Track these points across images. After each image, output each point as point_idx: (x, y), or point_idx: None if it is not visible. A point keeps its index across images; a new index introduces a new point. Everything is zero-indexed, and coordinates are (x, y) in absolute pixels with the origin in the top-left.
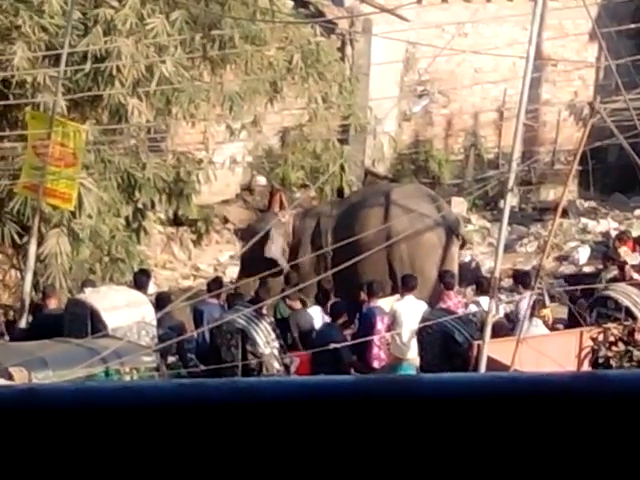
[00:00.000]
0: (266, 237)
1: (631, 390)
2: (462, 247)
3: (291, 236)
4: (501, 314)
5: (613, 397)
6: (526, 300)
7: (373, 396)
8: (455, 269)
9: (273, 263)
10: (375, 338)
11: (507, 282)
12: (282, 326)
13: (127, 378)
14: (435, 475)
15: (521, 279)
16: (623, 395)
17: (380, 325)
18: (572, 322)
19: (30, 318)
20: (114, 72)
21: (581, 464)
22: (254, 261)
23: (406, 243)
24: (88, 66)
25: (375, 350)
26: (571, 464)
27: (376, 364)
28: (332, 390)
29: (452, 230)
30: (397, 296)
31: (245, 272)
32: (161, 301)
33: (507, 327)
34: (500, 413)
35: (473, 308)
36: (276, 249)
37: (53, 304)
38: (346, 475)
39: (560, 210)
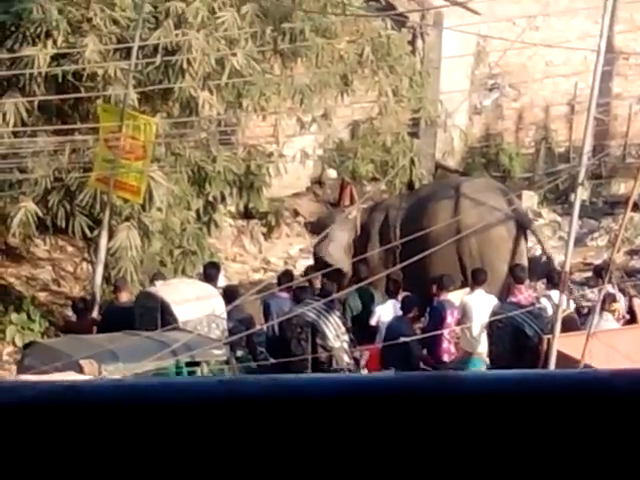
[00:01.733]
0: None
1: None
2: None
3: (359, 230)
4: (572, 308)
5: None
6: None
7: (411, 393)
8: (525, 263)
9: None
10: (445, 332)
11: (578, 276)
12: (353, 320)
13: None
14: (477, 470)
15: (600, 273)
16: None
17: (450, 319)
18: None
19: (101, 311)
20: (185, 65)
21: (624, 462)
22: (321, 257)
23: (476, 237)
24: (159, 59)
25: (445, 344)
26: (613, 463)
27: (446, 358)
28: (371, 387)
29: (522, 224)
30: (467, 290)
31: (316, 267)
32: (230, 294)
33: (577, 321)
34: (543, 411)
35: (544, 302)
36: (334, 248)
37: (124, 297)
38: (388, 470)
39: (631, 204)
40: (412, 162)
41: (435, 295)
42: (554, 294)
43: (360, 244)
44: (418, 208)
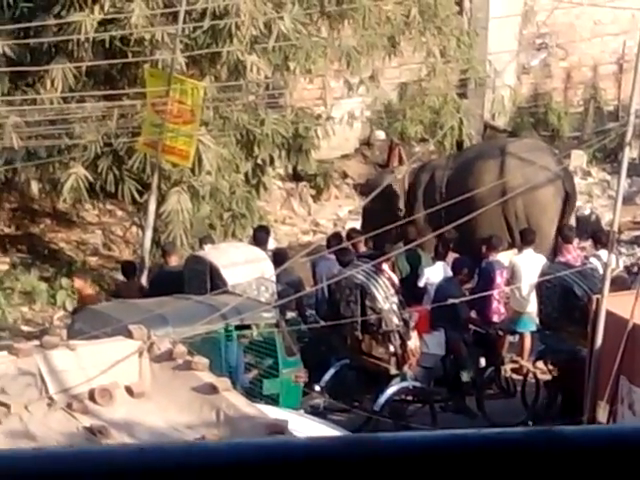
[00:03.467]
0: (385, 193)
1: (586, 446)
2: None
3: (407, 191)
4: (621, 267)
5: (568, 454)
6: None
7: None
8: (571, 223)
9: (397, 218)
10: (494, 292)
11: (627, 235)
12: (403, 282)
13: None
14: None
15: None
16: (579, 451)
17: (499, 279)
18: None
19: (150, 275)
20: (232, 29)
21: None
22: (374, 217)
23: (522, 198)
24: (206, 23)
25: (495, 304)
26: None
27: (496, 318)
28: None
29: (566, 186)
30: (515, 250)
31: (366, 227)
32: (279, 257)
33: (628, 280)
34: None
35: (594, 261)
36: (400, 204)
37: (174, 261)
38: None
39: None
40: (461, 122)
41: (484, 256)
42: (603, 253)
43: (408, 205)
44: (464, 169)
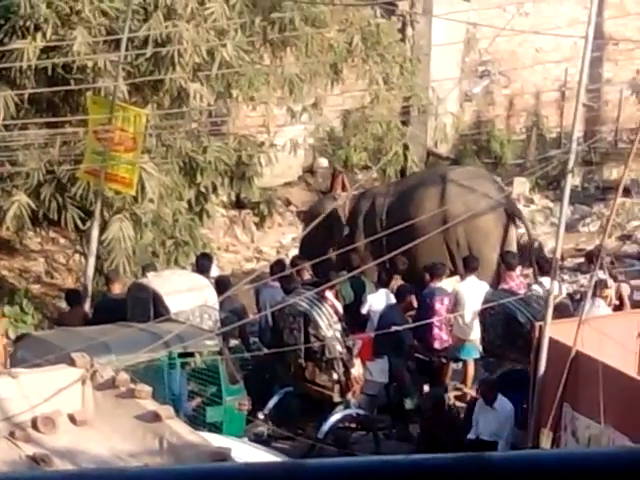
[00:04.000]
0: (326, 220)
1: (513, 471)
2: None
3: (348, 218)
4: (564, 294)
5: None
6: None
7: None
8: (514, 250)
9: (337, 245)
10: (435, 319)
11: (570, 261)
12: (346, 309)
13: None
14: None
15: (592, 259)
16: (507, 477)
17: (439, 305)
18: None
19: (94, 303)
20: (175, 57)
21: None
22: (313, 244)
23: (463, 226)
24: (149, 51)
25: (435, 331)
26: None
27: (437, 345)
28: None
29: (510, 212)
30: (457, 277)
31: (304, 255)
32: (222, 284)
33: (570, 308)
34: None
35: (536, 289)
36: (343, 230)
37: (117, 289)
38: None
39: (621, 189)
40: (405, 149)
41: (427, 283)
42: (546, 281)
43: (348, 232)
44: (405, 196)
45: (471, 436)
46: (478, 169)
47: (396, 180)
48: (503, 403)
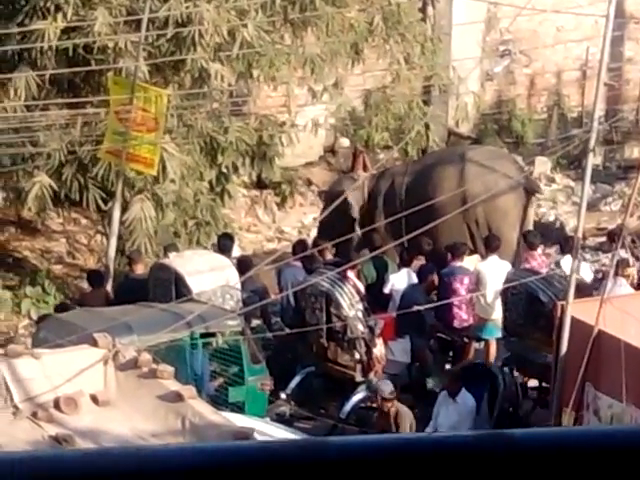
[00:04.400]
0: (345, 201)
1: (535, 449)
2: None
3: (367, 198)
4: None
5: (518, 456)
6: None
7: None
8: (532, 229)
9: (353, 226)
10: (455, 299)
11: (592, 241)
12: (368, 289)
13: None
14: None
15: (614, 238)
16: (528, 454)
17: (458, 285)
18: None
19: (115, 283)
20: (196, 37)
21: None
22: (332, 224)
23: (482, 205)
24: (170, 31)
25: (455, 310)
26: None
27: (456, 324)
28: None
29: (528, 190)
30: (478, 256)
31: (323, 235)
32: (244, 265)
33: (592, 287)
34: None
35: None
36: (355, 212)
37: (139, 269)
38: None
39: None
40: (427, 128)
41: (448, 263)
42: (567, 259)
43: (368, 212)
44: (424, 176)
45: (429, 429)
46: (497, 149)
47: (415, 159)
48: (466, 398)
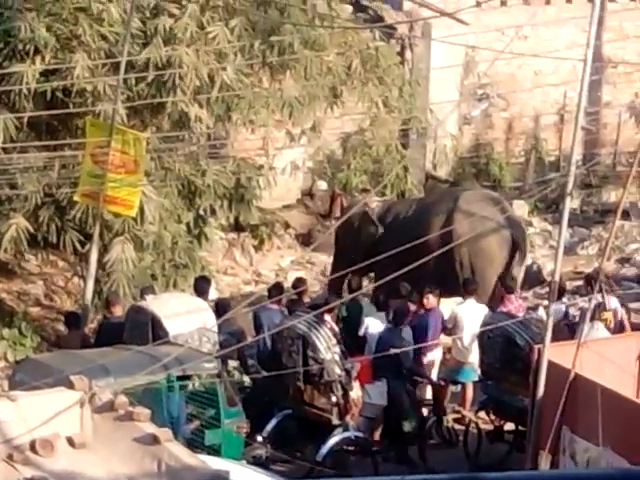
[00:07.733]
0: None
1: None
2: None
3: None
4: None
5: None
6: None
7: None
8: (519, 273)
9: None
10: (428, 340)
11: (569, 284)
12: (344, 331)
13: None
14: None
15: (591, 282)
16: None
17: (432, 330)
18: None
19: (93, 325)
20: (176, 80)
21: None
22: (345, 252)
23: (467, 247)
24: (150, 74)
25: (427, 352)
26: None
27: (425, 360)
28: None
29: (515, 238)
30: (459, 299)
31: (338, 265)
32: (221, 307)
33: (568, 331)
34: None
35: (541, 313)
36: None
37: (118, 311)
38: None
39: (620, 212)
40: (405, 171)
41: (422, 305)
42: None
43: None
44: (421, 213)
45: None
46: (488, 192)
47: (416, 197)
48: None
